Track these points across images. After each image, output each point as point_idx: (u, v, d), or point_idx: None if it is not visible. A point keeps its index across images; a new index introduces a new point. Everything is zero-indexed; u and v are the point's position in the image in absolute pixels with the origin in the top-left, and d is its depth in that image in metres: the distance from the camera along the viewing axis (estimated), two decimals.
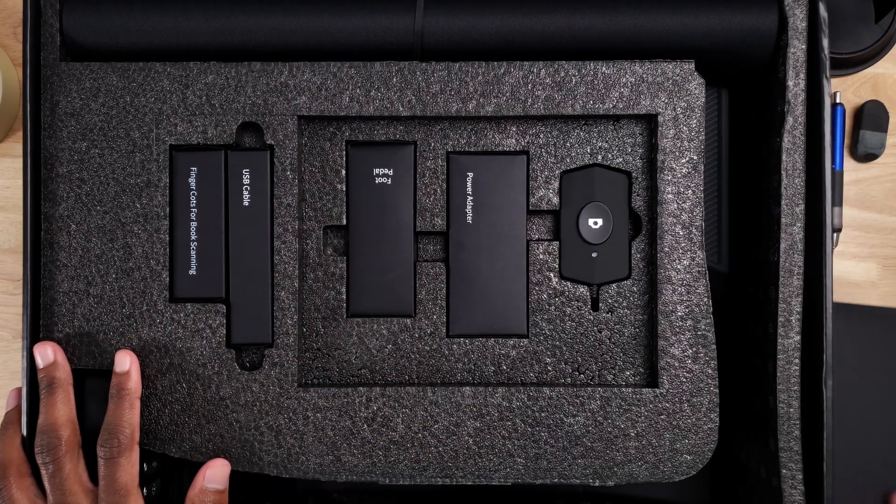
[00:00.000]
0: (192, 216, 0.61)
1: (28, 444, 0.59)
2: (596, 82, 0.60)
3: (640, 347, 0.62)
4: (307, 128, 0.62)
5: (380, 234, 0.62)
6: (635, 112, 0.60)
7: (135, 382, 0.59)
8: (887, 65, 0.74)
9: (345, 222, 0.62)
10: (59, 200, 0.61)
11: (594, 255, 0.62)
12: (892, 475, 0.72)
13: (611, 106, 0.60)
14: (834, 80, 0.74)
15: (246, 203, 0.61)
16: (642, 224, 0.62)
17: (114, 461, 0.57)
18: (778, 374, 0.59)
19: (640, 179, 0.62)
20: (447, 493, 0.71)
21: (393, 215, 0.62)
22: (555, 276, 0.62)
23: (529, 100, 0.60)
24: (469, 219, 0.62)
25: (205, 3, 0.61)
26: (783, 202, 0.60)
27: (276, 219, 0.61)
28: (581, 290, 0.62)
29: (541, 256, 0.62)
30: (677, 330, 0.60)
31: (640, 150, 0.62)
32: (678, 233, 0.60)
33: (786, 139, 0.60)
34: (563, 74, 0.60)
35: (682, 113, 0.60)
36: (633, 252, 0.63)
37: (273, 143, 0.61)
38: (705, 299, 0.60)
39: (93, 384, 0.61)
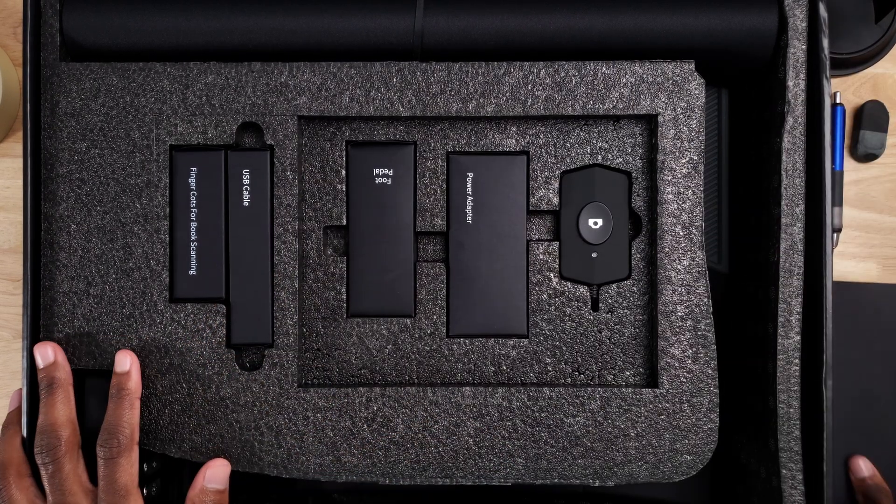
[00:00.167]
0: (192, 216, 0.61)
1: (28, 444, 0.59)
2: (596, 82, 0.60)
3: (640, 347, 0.62)
4: (307, 128, 0.62)
5: (380, 235, 0.62)
6: (635, 112, 0.60)
7: (135, 382, 0.59)
8: (887, 65, 0.74)
9: (345, 222, 0.62)
10: (59, 200, 0.61)
11: (594, 255, 0.62)
12: (858, 436, 0.72)
13: (611, 106, 0.60)
14: (834, 80, 0.74)
15: (246, 203, 0.61)
16: (642, 224, 0.62)
17: (113, 461, 0.57)
18: (778, 374, 0.59)
19: (640, 180, 0.62)
20: (447, 493, 0.71)
21: (393, 215, 0.62)
22: (555, 276, 0.62)
23: (529, 100, 0.60)
24: (469, 219, 0.62)
25: (205, 3, 0.61)
26: (783, 202, 0.60)
27: (276, 219, 0.61)
28: (581, 290, 0.62)
29: (541, 256, 0.62)
30: (677, 330, 0.60)
31: (640, 151, 0.62)
32: (678, 233, 0.60)
33: (786, 139, 0.60)
34: (563, 75, 0.60)
35: (682, 113, 0.60)
36: (633, 252, 0.62)
37: (273, 143, 0.61)
38: (705, 299, 0.60)
39: (93, 384, 0.61)
